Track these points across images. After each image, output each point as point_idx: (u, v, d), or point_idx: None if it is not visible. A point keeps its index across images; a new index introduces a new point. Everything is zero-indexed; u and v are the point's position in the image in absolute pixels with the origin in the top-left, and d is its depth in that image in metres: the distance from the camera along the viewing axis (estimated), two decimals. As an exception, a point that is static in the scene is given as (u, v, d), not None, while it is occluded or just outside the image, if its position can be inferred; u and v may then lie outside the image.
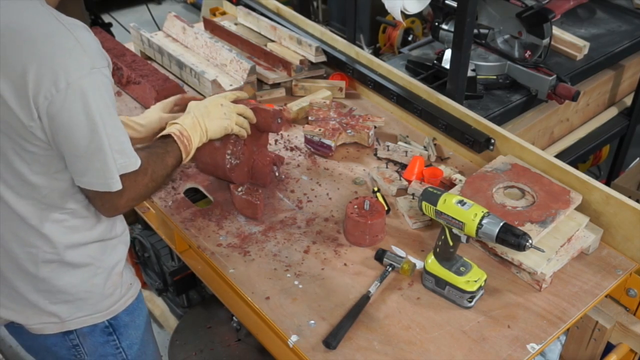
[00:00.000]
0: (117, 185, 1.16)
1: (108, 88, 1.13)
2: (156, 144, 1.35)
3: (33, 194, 1.18)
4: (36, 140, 1.11)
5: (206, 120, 1.43)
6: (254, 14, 2.32)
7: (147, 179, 1.24)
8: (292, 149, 1.81)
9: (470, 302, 1.32)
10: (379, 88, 1.96)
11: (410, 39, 3.01)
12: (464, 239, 1.29)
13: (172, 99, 1.59)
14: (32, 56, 1.06)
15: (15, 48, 1.06)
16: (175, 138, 1.35)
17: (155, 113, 1.53)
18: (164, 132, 1.38)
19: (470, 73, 2.03)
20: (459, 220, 1.25)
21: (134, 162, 1.18)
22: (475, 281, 1.31)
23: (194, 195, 1.67)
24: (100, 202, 1.19)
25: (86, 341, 1.34)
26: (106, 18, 3.73)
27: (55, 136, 1.11)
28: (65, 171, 1.17)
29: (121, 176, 1.16)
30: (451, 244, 1.30)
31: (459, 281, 1.31)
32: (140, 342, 1.43)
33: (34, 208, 1.19)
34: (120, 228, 1.34)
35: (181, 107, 1.58)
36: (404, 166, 1.71)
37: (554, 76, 2.09)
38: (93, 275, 1.29)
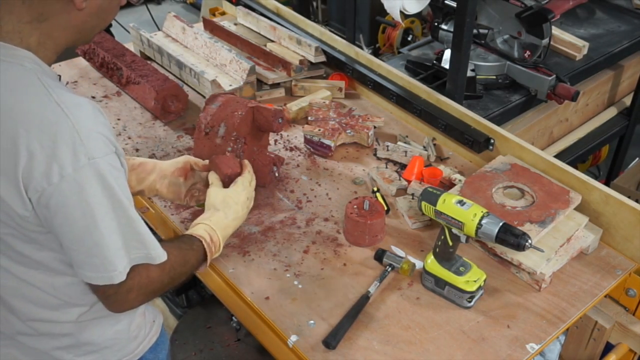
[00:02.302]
0: (119, 277, 1.06)
1: (114, 176, 1.03)
2: (183, 239, 1.26)
3: (41, 267, 1.12)
4: (35, 227, 1.04)
5: (236, 220, 1.35)
6: (253, 14, 2.32)
7: (164, 275, 1.15)
8: (291, 149, 1.81)
9: (469, 302, 1.32)
10: (378, 88, 1.96)
11: (409, 39, 3.02)
12: (463, 239, 1.29)
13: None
14: (23, 145, 0.97)
15: (5, 133, 0.98)
16: (205, 245, 1.26)
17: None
18: (195, 233, 1.27)
19: (469, 73, 2.03)
20: (458, 220, 1.25)
21: (159, 254, 1.11)
22: (475, 281, 1.31)
23: (193, 195, 1.67)
24: (104, 296, 1.10)
25: None
26: (106, 18, 3.72)
27: (50, 226, 1.03)
28: None
29: (138, 267, 1.09)
30: (451, 244, 1.30)
31: (459, 281, 1.31)
32: None
33: (45, 276, 1.13)
34: None
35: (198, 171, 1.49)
36: (403, 166, 1.72)
37: (554, 76, 2.10)
38: (116, 322, 1.23)
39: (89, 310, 1.18)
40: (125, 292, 1.09)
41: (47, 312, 1.16)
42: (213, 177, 1.39)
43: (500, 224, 1.24)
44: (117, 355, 1.25)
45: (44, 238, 1.07)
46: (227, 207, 1.34)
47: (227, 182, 1.39)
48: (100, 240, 1.03)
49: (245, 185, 1.39)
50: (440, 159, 1.78)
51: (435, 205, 1.29)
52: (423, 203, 1.31)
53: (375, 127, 1.85)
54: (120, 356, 1.26)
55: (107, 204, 1.03)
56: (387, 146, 1.77)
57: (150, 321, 1.32)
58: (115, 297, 1.10)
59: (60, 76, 1.11)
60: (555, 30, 2.35)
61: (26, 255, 1.10)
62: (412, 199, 1.60)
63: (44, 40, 1.07)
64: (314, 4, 3.99)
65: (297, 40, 2.11)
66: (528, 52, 2.14)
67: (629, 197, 1.46)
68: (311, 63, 2.08)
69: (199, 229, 1.29)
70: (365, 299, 1.33)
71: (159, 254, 1.11)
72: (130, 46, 2.26)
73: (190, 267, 1.24)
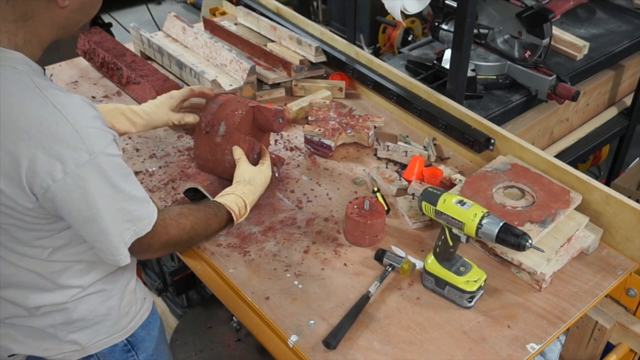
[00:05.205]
0: (125, 260, 1.16)
1: (114, 166, 1.09)
2: (210, 205, 1.38)
3: (40, 254, 1.16)
4: (38, 217, 1.09)
5: (260, 194, 1.51)
6: (253, 14, 2.32)
7: (184, 234, 1.28)
8: (292, 149, 1.81)
9: (470, 302, 1.32)
10: (379, 88, 1.96)
11: (410, 39, 3.02)
12: (463, 239, 1.29)
13: (179, 94, 1.56)
14: (25, 147, 1.01)
15: (7, 137, 1.01)
16: (233, 215, 1.39)
17: (163, 112, 1.52)
18: (226, 203, 1.39)
19: (470, 73, 2.03)
20: (458, 220, 1.25)
21: (146, 225, 1.17)
22: (475, 281, 1.31)
23: (193, 195, 1.67)
24: (131, 251, 1.19)
25: None
26: (106, 18, 3.72)
27: (57, 215, 1.10)
28: (69, 229, 1.15)
29: (157, 228, 1.19)
30: (451, 244, 1.30)
31: (459, 281, 1.31)
32: (156, 352, 1.42)
33: (43, 262, 1.17)
34: None
35: (192, 106, 1.59)
36: (403, 166, 1.71)
37: (554, 76, 2.10)
38: (108, 298, 1.28)
39: (82, 290, 1.24)
40: (146, 247, 1.20)
41: (43, 296, 1.21)
42: (239, 153, 1.52)
43: (501, 224, 1.24)
44: (110, 331, 1.30)
45: (45, 227, 1.12)
46: (256, 183, 1.49)
47: (250, 158, 1.53)
48: (105, 228, 1.11)
49: (269, 165, 1.55)
50: (441, 159, 1.78)
51: (435, 205, 1.29)
52: (423, 203, 1.31)
53: (375, 127, 1.85)
54: (113, 331, 1.31)
55: (109, 193, 1.09)
56: (388, 146, 1.77)
57: (141, 298, 1.38)
58: (139, 251, 1.21)
59: (44, 69, 1.13)
60: (556, 30, 2.35)
61: (27, 243, 1.14)
62: (413, 199, 1.60)
63: (29, 38, 1.09)
64: (314, 4, 3.99)
65: (297, 40, 2.11)
66: (528, 52, 2.14)
67: (629, 197, 1.46)
68: (311, 63, 2.08)
69: (229, 199, 1.41)
70: (365, 299, 1.33)
71: (147, 224, 1.17)
72: (130, 46, 2.26)
73: (212, 231, 1.38)
